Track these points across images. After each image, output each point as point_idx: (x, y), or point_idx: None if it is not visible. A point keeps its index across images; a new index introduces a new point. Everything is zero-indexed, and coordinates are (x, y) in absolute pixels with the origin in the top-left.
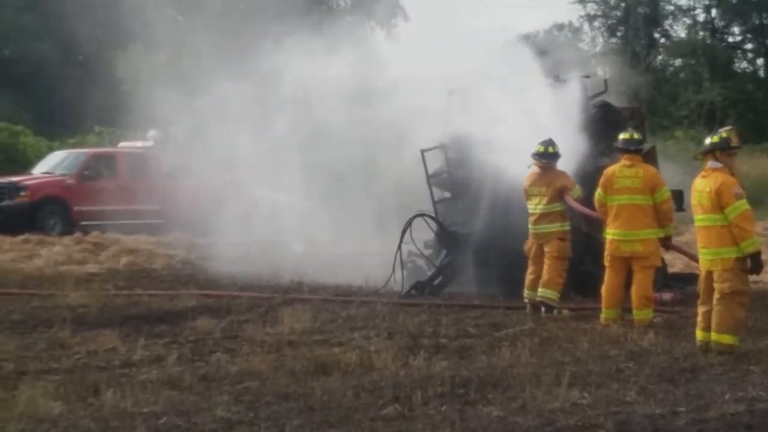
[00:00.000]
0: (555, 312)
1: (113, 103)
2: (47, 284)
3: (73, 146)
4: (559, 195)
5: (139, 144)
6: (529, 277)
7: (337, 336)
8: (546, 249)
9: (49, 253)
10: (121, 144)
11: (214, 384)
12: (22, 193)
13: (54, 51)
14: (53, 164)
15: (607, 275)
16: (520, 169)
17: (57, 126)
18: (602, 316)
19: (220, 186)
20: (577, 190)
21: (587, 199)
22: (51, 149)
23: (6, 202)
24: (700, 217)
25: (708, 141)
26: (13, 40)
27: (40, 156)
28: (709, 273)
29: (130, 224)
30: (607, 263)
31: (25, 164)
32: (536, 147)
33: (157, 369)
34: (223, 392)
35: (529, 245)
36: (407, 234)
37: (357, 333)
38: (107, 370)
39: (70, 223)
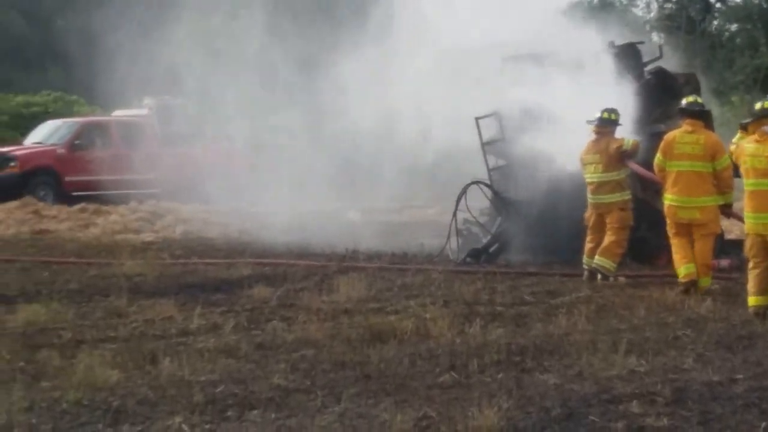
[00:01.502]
0: (611, 279)
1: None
2: (104, 253)
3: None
4: (615, 162)
5: (133, 112)
6: (588, 246)
7: (393, 304)
8: (607, 220)
9: (105, 222)
10: (116, 112)
11: (270, 352)
12: (12, 164)
13: (107, 21)
14: (45, 134)
15: (673, 242)
16: (576, 136)
17: (113, 96)
18: (683, 272)
19: (222, 153)
20: (628, 143)
21: (644, 165)
22: None
23: None
24: (752, 182)
25: (759, 106)
26: (67, 11)
27: None
28: (761, 237)
29: (124, 194)
30: (670, 231)
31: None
32: (595, 113)
33: (213, 337)
34: (280, 360)
35: (589, 214)
36: (462, 201)
37: (413, 301)
38: (164, 338)
39: (61, 194)
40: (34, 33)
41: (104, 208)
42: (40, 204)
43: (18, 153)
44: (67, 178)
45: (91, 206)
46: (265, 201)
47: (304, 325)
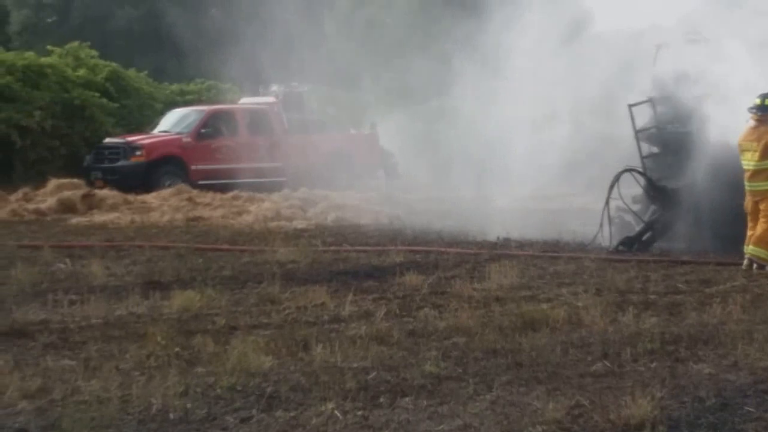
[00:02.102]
0: (767, 269)
1: (320, 60)
2: (257, 240)
3: None
4: None
5: (260, 100)
6: (748, 233)
7: (545, 292)
8: (761, 206)
9: (258, 209)
10: (243, 100)
11: (422, 339)
12: (138, 153)
13: (261, 10)
14: (172, 123)
15: None
16: (734, 122)
17: (265, 83)
18: None
19: (349, 140)
20: None
21: None
22: None
23: (121, 162)
24: None
25: None
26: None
27: None
28: None
29: (251, 183)
30: None
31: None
32: (754, 100)
33: (365, 324)
34: (431, 348)
35: (747, 201)
36: (615, 189)
37: (565, 289)
38: (316, 325)
39: (187, 183)
40: (187, 21)
41: (257, 195)
42: (195, 191)
43: (144, 142)
44: (193, 167)
45: (244, 193)
46: (416, 188)
47: (455, 312)
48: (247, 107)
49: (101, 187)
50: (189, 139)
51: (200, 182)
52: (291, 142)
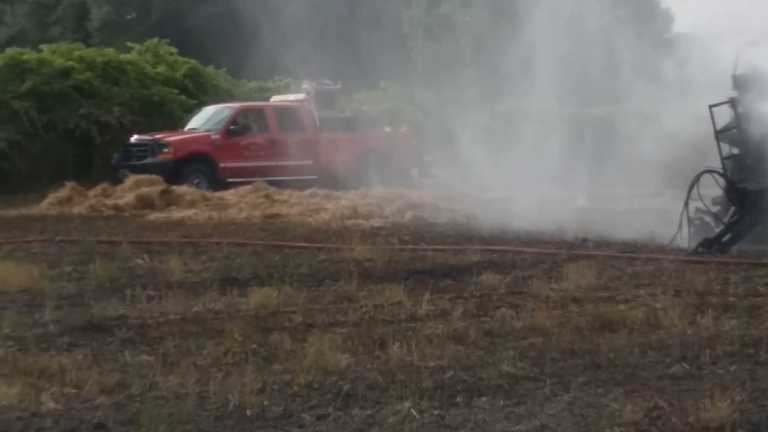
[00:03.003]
0: None
1: (398, 59)
2: (334, 238)
3: (360, 102)
4: None
5: (291, 97)
6: None
7: (623, 293)
8: None
9: (335, 207)
10: (274, 98)
11: (498, 339)
12: (165, 150)
13: (341, 7)
14: (202, 120)
15: None
16: None
17: (343, 81)
18: None
19: (384, 139)
20: None
21: None
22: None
23: (149, 160)
24: None
25: None
26: None
27: None
28: None
29: (280, 180)
30: None
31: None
32: None
33: (442, 323)
34: (508, 348)
35: None
36: (694, 190)
37: (643, 290)
38: (393, 323)
39: (215, 180)
40: (267, 18)
41: (335, 193)
42: (272, 189)
43: (171, 139)
44: (222, 164)
45: (321, 191)
46: (493, 187)
47: (532, 312)
48: (278, 104)
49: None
50: (218, 136)
51: (228, 180)
52: (322, 139)
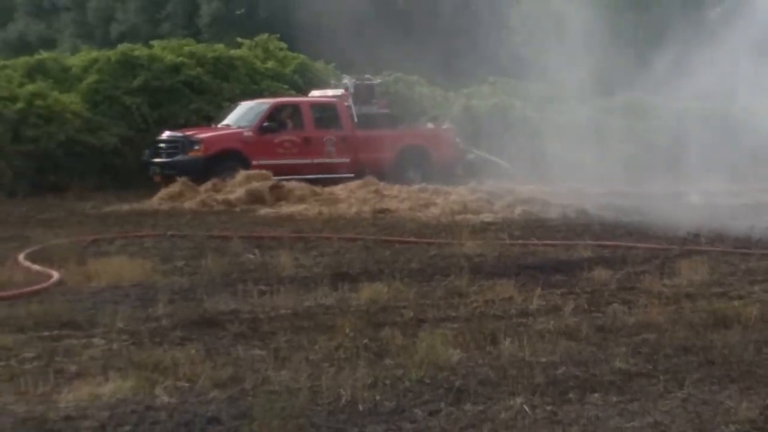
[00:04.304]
0: None
1: (506, 53)
2: (444, 233)
3: (468, 97)
4: None
5: (329, 93)
6: None
7: (737, 289)
8: None
9: (445, 202)
10: (312, 93)
11: (611, 335)
12: (196, 147)
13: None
14: (236, 116)
15: None
16: None
17: (451, 76)
18: None
19: (425, 135)
20: None
21: None
22: (446, 99)
23: (179, 157)
24: None
25: None
26: None
27: (435, 107)
28: None
29: (316, 179)
30: None
31: (418, 115)
32: None
33: (553, 319)
34: (621, 344)
35: None
36: None
37: (757, 286)
38: (504, 319)
39: None
40: (375, 13)
41: (444, 188)
42: (382, 183)
43: (203, 136)
44: (255, 162)
45: (431, 186)
46: (603, 182)
47: (645, 308)
48: (314, 100)
49: (159, 182)
50: (250, 133)
51: None
52: (359, 137)
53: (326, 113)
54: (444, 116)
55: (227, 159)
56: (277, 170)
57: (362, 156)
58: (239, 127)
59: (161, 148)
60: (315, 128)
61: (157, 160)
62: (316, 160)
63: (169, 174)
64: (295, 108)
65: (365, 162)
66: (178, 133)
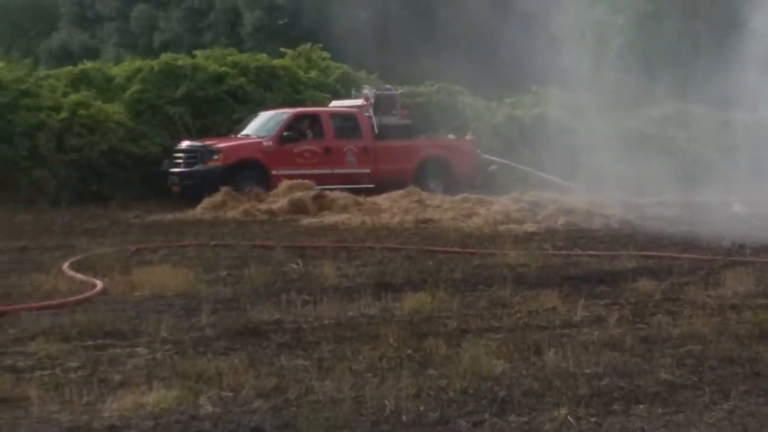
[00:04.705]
0: None
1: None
2: (487, 243)
3: (512, 106)
4: None
5: (350, 102)
6: None
7: None
8: None
9: (488, 212)
10: (333, 103)
11: (655, 346)
12: (215, 157)
13: (491, 9)
14: (256, 126)
15: None
16: None
17: (495, 85)
18: None
19: (446, 146)
20: None
21: None
22: (489, 109)
23: (198, 167)
24: None
25: None
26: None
27: (478, 116)
28: None
29: (336, 189)
30: None
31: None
32: None
33: (597, 330)
34: (666, 355)
35: None
36: None
37: None
38: (548, 329)
39: (268, 188)
40: (417, 23)
41: (487, 198)
42: (424, 193)
43: (222, 145)
44: (274, 172)
45: (474, 196)
46: (647, 192)
47: (689, 319)
48: (334, 110)
49: (177, 192)
50: (270, 143)
51: None
52: (379, 147)
53: (346, 123)
54: (486, 126)
55: (246, 169)
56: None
57: (382, 166)
58: (259, 137)
59: (180, 157)
60: (335, 138)
61: (175, 170)
62: (336, 171)
63: (187, 184)
64: (315, 118)
65: (385, 173)
66: (197, 143)
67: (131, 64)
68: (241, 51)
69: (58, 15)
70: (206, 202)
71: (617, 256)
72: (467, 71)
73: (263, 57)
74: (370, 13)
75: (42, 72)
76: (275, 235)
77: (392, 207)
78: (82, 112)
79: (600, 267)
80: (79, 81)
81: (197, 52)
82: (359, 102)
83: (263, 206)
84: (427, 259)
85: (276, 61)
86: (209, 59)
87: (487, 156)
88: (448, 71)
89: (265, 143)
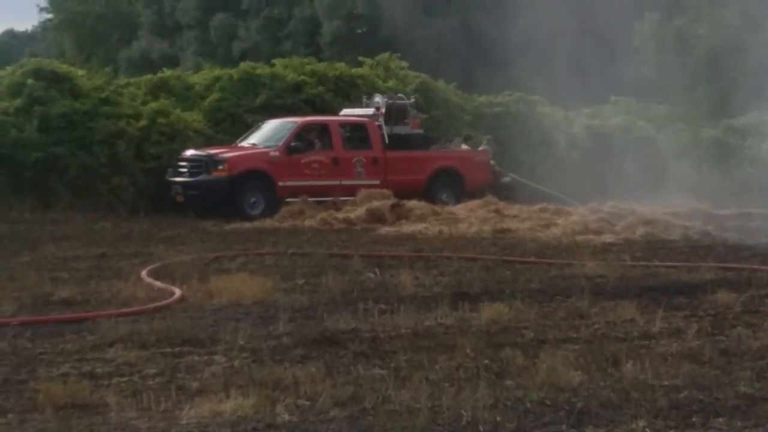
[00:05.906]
0: None
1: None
2: (564, 254)
3: (590, 116)
4: None
5: (359, 112)
6: None
7: None
8: None
9: (566, 222)
10: (343, 112)
11: (735, 359)
12: (220, 167)
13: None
14: (264, 135)
15: None
16: None
17: (573, 95)
18: None
19: (459, 157)
20: None
21: None
22: (566, 119)
23: (202, 177)
24: None
25: None
26: (529, 8)
27: (557, 127)
28: None
29: (345, 201)
30: None
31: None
32: None
33: (676, 342)
34: (745, 368)
35: None
36: None
37: None
38: (626, 341)
39: (274, 200)
40: (497, 32)
41: (565, 208)
42: (501, 203)
43: (227, 155)
44: (281, 183)
45: (552, 206)
46: (726, 203)
47: None
48: (343, 119)
49: (180, 202)
50: (277, 153)
51: (288, 200)
52: (390, 158)
53: (356, 133)
54: (567, 135)
55: (252, 180)
56: (304, 192)
57: (392, 178)
58: (266, 147)
59: (184, 166)
60: (344, 148)
61: (179, 179)
62: (344, 182)
63: (191, 195)
64: (324, 127)
65: (395, 184)
66: (202, 152)
67: (210, 72)
68: (320, 60)
69: (137, 24)
70: (284, 210)
71: (696, 267)
72: (547, 81)
73: (341, 66)
74: (449, 22)
75: (122, 80)
76: (352, 244)
77: (470, 216)
78: (161, 120)
79: (678, 278)
80: (158, 89)
81: (276, 61)
82: (370, 111)
83: (341, 215)
84: (504, 269)
85: (354, 70)
86: (288, 68)
87: (498, 167)
88: (527, 80)
89: (272, 153)
